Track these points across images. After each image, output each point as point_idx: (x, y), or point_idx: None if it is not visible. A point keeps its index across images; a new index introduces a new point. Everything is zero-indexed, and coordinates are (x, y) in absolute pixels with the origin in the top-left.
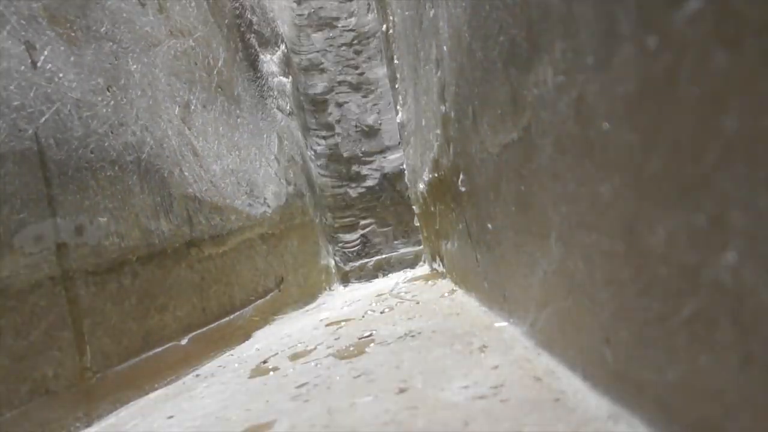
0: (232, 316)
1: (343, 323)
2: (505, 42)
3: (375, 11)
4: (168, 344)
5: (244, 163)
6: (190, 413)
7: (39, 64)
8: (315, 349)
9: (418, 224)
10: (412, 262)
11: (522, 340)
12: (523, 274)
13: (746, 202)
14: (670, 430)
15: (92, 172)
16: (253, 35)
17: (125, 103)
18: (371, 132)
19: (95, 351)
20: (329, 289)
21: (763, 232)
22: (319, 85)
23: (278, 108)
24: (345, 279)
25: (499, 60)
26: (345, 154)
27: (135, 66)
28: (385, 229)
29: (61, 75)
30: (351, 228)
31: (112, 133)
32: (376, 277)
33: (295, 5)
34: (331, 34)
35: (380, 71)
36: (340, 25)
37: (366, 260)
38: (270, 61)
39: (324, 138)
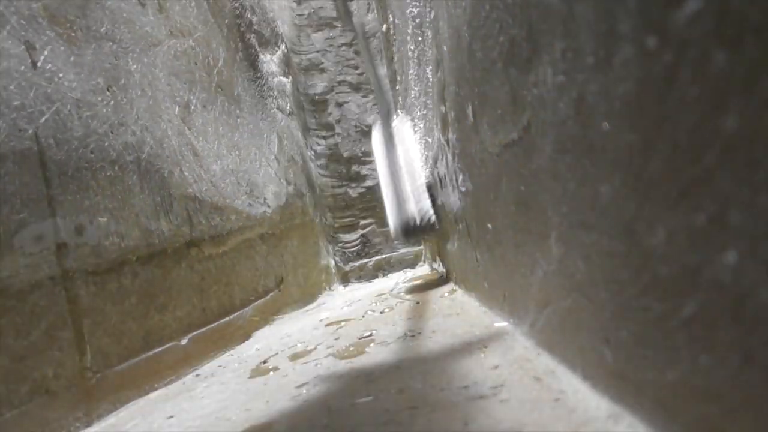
0: (232, 316)
1: (343, 323)
2: (505, 42)
3: (375, 11)
4: (168, 344)
5: (244, 163)
6: (190, 413)
7: (39, 64)
8: (315, 349)
9: None
10: (412, 262)
11: (522, 340)
12: (523, 274)
13: (746, 202)
14: (670, 430)
15: (92, 172)
16: (253, 35)
17: (125, 103)
18: (371, 132)
19: (95, 351)
20: (329, 289)
21: (763, 232)
22: (319, 85)
23: (278, 108)
24: (345, 279)
25: (499, 60)
26: (345, 154)
27: (135, 66)
28: (385, 229)
29: (61, 75)
30: (351, 228)
31: (112, 133)
32: (376, 277)
33: (295, 5)
34: (331, 34)
35: (380, 71)
36: (340, 25)
37: (366, 260)
38: (270, 61)
39: (324, 138)
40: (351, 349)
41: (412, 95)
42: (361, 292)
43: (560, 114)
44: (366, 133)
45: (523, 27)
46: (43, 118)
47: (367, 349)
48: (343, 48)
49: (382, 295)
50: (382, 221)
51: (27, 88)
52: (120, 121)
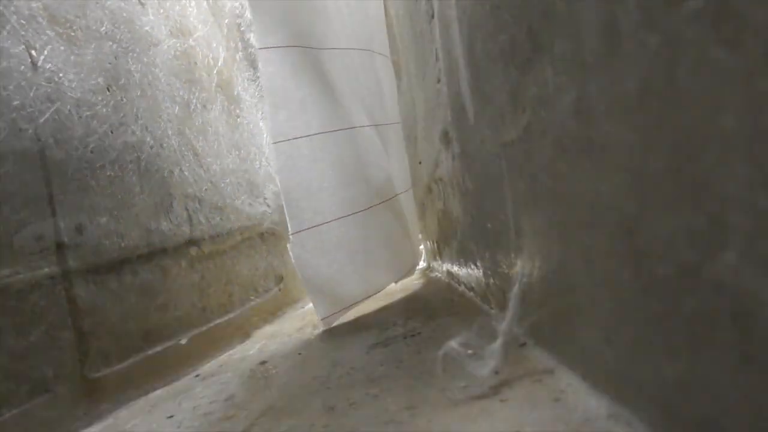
0: (231, 316)
1: (342, 322)
2: (505, 41)
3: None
4: (168, 344)
5: (244, 162)
6: (190, 413)
7: (39, 64)
8: (315, 348)
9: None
10: None
11: (522, 339)
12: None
13: (746, 202)
14: (670, 430)
15: (92, 171)
16: (253, 35)
17: (125, 103)
18: None
19: (95, 351)
20: None
21: (763, 232)
22: None
23: None
24: None
25: (499, 60)
26: None
27: (135, 66)
28: None
29: (61, 75)
30: None
31: (112, 132)
32: None
33: None
34: None
35: None
36: None
37: None
38: None
39: None
40: (351, 349)
41: (412, 94)
42: None
43: (560, 114)
44: None
45: (523, 26)
46: (43, 118)
47: (367, 349)
48: None
49: (382, 294)
50: None
51: (27, 88)
52: (120, 121)
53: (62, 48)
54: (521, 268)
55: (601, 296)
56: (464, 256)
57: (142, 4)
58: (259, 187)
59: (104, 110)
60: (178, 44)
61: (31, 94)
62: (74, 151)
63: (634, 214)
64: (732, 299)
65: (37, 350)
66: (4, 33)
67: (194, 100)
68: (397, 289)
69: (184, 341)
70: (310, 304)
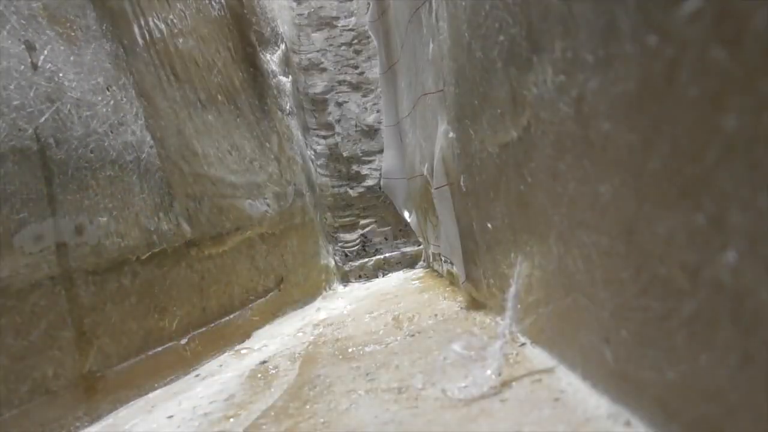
0: (231, 316)
1: (343, 323)
2: (505, 41)
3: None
4: (168, 344)
5: (244, 162)
6: (189, 413)
7: (39, 64)
8: (315, 348)
9: None
10: (412, 262)
11: (521, 339)
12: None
13: (746, 202)
14: (670, 430)
15: (92, 171)
16: (253, 35)
17: (125, 103)
18: (371, 131)
19: (95, 351)
20: (329, 288)
21: (763, 232)
22: (319, 84)
23: (278, 108)
24: (345, 279)
25: (499, 60)
26: (345, 154)
27: (135, 65)
28: (385, 229)
29: (61, 75)
30: (351, 227)
31: (112, 132)
32: (376, 276)
33: (294, 5)
34: (330, 34)
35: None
36: (339, 25)
37: (366, 260)
38: (270, 61)
39: (324, 137)
40: (351, 349)
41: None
42: (361, 291)
43: (560, 114)
44: (366, 133)
45: (523, 26)
46: (43, 118)
47: (367, 349)
48: (343, 48)
49: (382, 294)
50: (382, 221)
51: (27, 88)
52: (120, 121)
53: (62, 48)
54: (521, 268)
55: (601, 296)
56: (464, 256)
57: (143, 7)
58: (259, 188)
59: (104, 110)
60: (178, 44)
61: (31, 94)
62: (74, 150)
63: (634, 214)
64: (732, 299)
65: (37, 350)
66: (4, 33)
67: (194, 100)
68: (396, 288)
69: (184, 341)
70: (310, 304)
